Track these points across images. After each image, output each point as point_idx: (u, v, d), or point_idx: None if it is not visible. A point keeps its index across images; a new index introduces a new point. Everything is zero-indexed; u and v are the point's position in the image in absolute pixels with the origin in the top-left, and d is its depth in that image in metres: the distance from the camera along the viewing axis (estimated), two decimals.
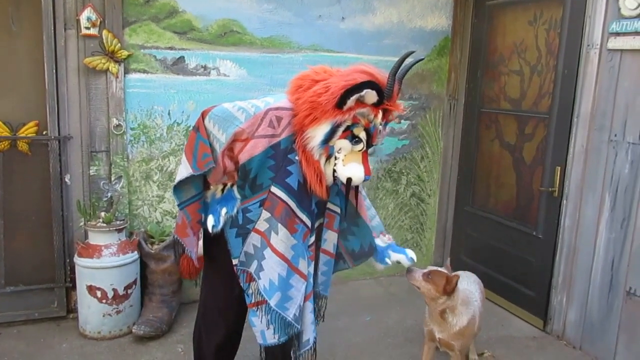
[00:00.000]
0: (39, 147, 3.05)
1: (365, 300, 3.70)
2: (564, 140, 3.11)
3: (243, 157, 1.92)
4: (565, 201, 3.11)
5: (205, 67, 3.35)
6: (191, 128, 2.00)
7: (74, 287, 3.14)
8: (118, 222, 3.07)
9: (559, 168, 3.14)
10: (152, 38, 3.21)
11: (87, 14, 2.97)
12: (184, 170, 1.98)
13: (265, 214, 1.97)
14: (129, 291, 3.06)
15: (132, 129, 3.26)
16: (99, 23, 3.01)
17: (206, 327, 2.24)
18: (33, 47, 2.97)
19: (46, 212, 3.10)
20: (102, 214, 3.06)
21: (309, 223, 2.04)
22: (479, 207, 3.90)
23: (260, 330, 2.03)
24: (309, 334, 2.09)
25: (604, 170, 2.87)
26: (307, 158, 1.93)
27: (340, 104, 1.84)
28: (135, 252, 3.10)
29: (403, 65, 1.97)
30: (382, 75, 1.91)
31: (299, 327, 2.04)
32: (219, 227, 1.99)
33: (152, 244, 3.20)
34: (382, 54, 3.67)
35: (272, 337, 2.02)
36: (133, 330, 3.00)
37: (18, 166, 3.04)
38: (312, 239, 2.10)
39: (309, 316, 2.09)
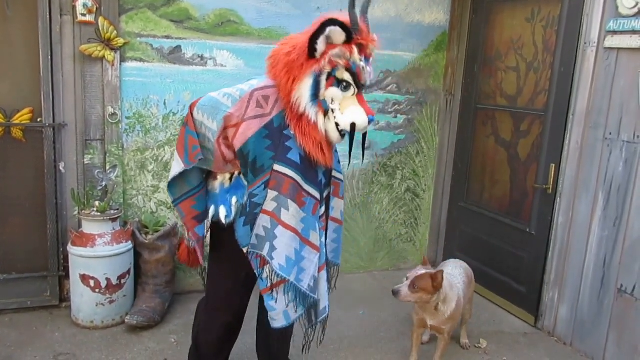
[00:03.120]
0: (33, 134, 3.02)
1: (359, 294, 3.71)
2: (559, 137, 3.13)
3: (238, 142, 1.91)
4: (559, 198, 3.13)
5: (202, 57, 3.33)
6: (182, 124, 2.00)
7: (67, 276, 3.13)
8: (112, 212, 3.06)
9: (554, 165, 3.16)
10: (149, 26, 3.18)
11: (83, 0, 2.94)
12: (176, 166, 1.98)
13: (272, 193, 1.94)
14: (123, 281, 3.05)
15: (127, 117, 3.24)
16: (95, 10, 2.98)
17: (209, 315, 2.22)
18: (28, 33, 2.94)
19: (40, 200, 3.08)
20: (97, 203, 3.05)
21: (317, 195, 2.02)
22: (473, 203, 3.91)
23: (282, 311, 2.01)
24: (324, 302, 2.11)
25: (598, 168, 2.89)
26: (302, 129, 1.91)
27: (311, 52, 1.83)
28: (129, 242, 3.09)
29: None
30: (344, 15, 1.88)
31: (316, 297, 2.03)
32: (232, 217, 1.98)
33: (147, 234, 3.19)
34: (379, 48, 3.65)
35: (294, 313, 2.02)
36: (126, 320, 3.00)
37: (12, 153, 3.02)
38: (322, 209, 2.10)
39: (324, 285, 2.10)
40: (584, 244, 2.99)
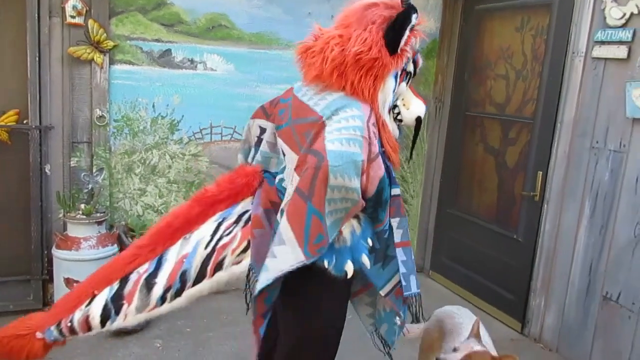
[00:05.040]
0: (19, 136, 2.99)
1: None
2: (546, 145, 3.15)
3: (373, 187, 1.63)
4: (546, 206, 3.15)
5: (192, 61, 3.32)
6: (295, 191, 1.58)
7: (51, 279, 3.09)
8: (98, 215, 3.03)
9: (541, 173, 3.18)
10: (139, 29, 3.17)
11: (72, 2, 2.92)
12: (290, 255, 1.56)
13: (395, 221, 1.73)
14: None
15: (115, 120, 3.22)
16: (84, 12, 2.97)
17: None
18: (16, 34, 2.91)
19: (25, 202, 3.04)
20: (82, 205, 3.02)
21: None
22: (461, 210, 3.93)
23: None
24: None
25: (584, 177, 2.91)
26: (385, 137, 1.69)
27: (395, 47, 1.62)
28: (115, 246, 3.06)
29: None
30: None
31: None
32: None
33: (133, 237, 3.16)
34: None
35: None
36: None
37: None
38: None
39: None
40: (570, 252, 3.01)
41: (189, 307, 3.34)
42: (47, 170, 3.07)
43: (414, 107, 1.77)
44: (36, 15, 2.88)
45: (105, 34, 3.04)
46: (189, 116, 3.37)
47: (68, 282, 2.92)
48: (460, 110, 3.91)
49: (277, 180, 1.86)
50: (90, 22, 2.98)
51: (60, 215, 3.11)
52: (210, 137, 3.45)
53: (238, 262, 1.77)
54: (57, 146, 3.09)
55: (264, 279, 1.60)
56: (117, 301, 1.75)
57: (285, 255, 1.57)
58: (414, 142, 1.90)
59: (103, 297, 1.76)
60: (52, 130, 3.05)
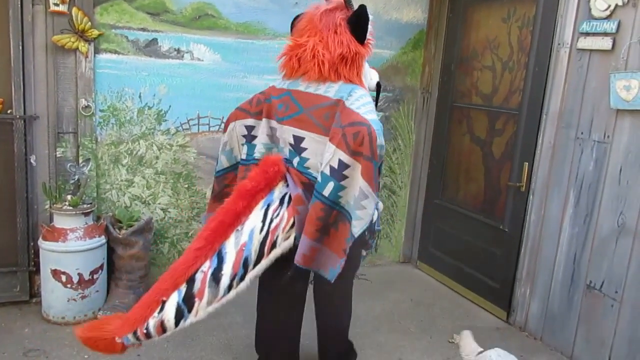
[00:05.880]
0: (3, 126, 2.95)
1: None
2: (532, 136, 3.18)
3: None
4: (531, 196, 3.19)
5: (178, 51, 3.29)
6: (360, 155, 2.00)
7: (37, 271, 3.07)
8: (85, 206, 3.01)
9: (527, 164, 3.21)
10: (124, 18, 3.13)
11: None
12: (373, 204, 2.06)
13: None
14: (95, 276, 3.01)
15: (101, 110, 3.19)
16: (68, 0, 2.92)
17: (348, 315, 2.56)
18: None
19: (10, 193, 3.01)
20: (69, 197, 2.99)
21: None
22: (448, 200, 3.96)
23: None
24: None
25: (569, 167, 2.95)
26: None
27: (362, 40, 2.18)
28: (103, 237, 3.04)
29: None
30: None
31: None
32: None
33: (120, 228, 3.14)
34: None
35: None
36: (98, 316, 2.96)
37: None
38: None
39: None
40: (555, 241, 3.05)
41: None
42: (32, 161, 3.04)
43: (374, 76, 2.37)
44: (19, 3, 2.83)
45: (89, 23, 3.00)
46: (176, 106, 3.35)
47: (55, 273, 2.91)
48: (447, 101, 3.93)
49: (295, 164, 2.21)
50: (74, 10, 2.94)
51: (47, 206, 3.08)
52: (198, 128, 3.43)
53: (287, 238, 2.12)
54: (42, 136, 3.05)
55: (361, 225, 2.06)
56: (188, 301, 1.98)
57: (370, 205, 2.05)
58: (377, 102, 2.40)
59: (173, 301, 1.98)
60: (37, 120, 3.01)
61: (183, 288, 1.98)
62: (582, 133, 2.87)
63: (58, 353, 2.70)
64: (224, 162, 2.42)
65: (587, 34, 2.80)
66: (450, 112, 3.91)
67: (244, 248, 2.04)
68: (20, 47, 2.87)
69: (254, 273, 2.08)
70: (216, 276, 2.00)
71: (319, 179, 2.05)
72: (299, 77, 2.22)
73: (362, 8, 2.15)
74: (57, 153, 3.10)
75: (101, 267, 3.05)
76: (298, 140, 2.19)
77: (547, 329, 3.12)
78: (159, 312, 1.97)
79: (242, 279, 2.05)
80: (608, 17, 2.70)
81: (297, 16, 2.36)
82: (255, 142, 2.33)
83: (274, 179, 2.15)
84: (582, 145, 2.88)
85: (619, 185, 2.68)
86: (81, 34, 2.99)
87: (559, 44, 2.98)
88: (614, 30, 2.66)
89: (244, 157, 2.35)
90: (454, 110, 3.88)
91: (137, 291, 3.15)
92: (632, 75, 2.54)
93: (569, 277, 2.97)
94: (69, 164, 3.09)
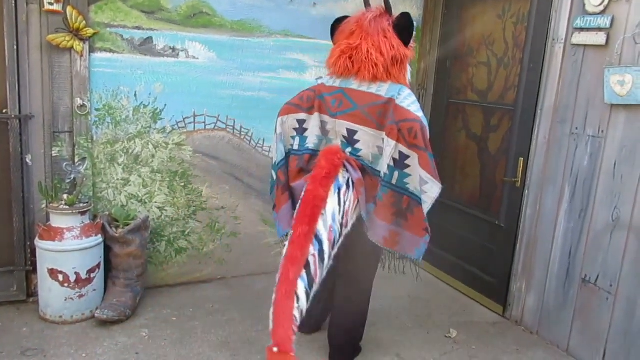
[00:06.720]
0: None
1: None
2: (527, 132, 3.19)
3: None
4: (527, 191, 3.20)
5: (173, 49, 3.29)
6: (422, 149, 2.37)
7: (34, 270, 3.06)
8: (81, 205, 3.01)
9: (522, 159, 3.22)
10: (119, 16, 3.12)
11: None
12: (435, 188, 2.36)
13: None
14: (92, 275, 3.01)
15: (97, 109, 3.18)
16: None
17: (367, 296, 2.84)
18: None
19: (6, 193, 3.00)
20: (65, 196, 2.99)
21: None
22: (444, 196, 3.91)
23: None
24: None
25: (564, 162, 2.96)
26: None
27: (407, 43, 2.45)
28: (99, 236, 3.04)
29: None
30: (381, 5, 2.55)
31: None
32: None
33: (117, 227, 3.14)
34: None
35: None
36: (96, 315, 2.96)
37: None
38: None
39: None
40: (550, 236, 3.07)
41: (174, 296, 3.38)
42: (28, 161, 3.03)
43: (409, 76, 2.63)
44: (13, 1, 2.82)
45: (84, 22, 2.99)
46: (171, 105, 3.35)
47: (52, 272, 2.91)
48: (443, 97, 3.93)
49: (348, 152, 2.50)
50: (68, 9, 2.93)
51: (43, 205, 3.08)
52: (194, 126, 3.43)
53: (353, 218, 2.44)
54: (37, 136, 3.05)
55: (426, 207, 2.40)
56: (311, 283, 2.20)
57: (432, 189, 2.36)
58: None
59: (302, 289, 2.14)
60: (33, 120, 3.01)
61: (304, 274, 2.16)
62: (576, 128, 2.89)
63: (56, 352, 2.70)
64: (282, 152, 2.67)
65: (582, 29, 2.81)
66: (445, 108, 3.92)
67: (331, 230, 2.28)
68: (15, 47, 2.87)
69: (334, 252, 2.33)
70: (322, 256, 2.23)
71: (386, 170, 2.38)
72: (351, 76, 2.48)
73: (407, 15, 2.45)
74: (53, 152, 3.10)
75: (98, 266, 3.05)
76: (352, 133, 2.48)
77: (543, 323, 3.14)
78: (297, 303, 2.12)
79: (329, 257, 2.29)
80: (602, 13, 2.71)
81: (339, 20, 2.63)
82: (306, 134, 2.61)
83: (338, 166, 2.39)
84: (576, 140, 2.89)
85: (614, 179, 2.70)
86: (76, 33, 2.98)
87: (553, 40, 2.99)
88: (607, 26, 2.67)
89: (296, 147, 2.63)
90: (450, 107, 3.89)
91: (134, 289, 3.16)
92: (626, 70, 2.56)
93: (564, 271, 2.99)
94: (65, 163, 3.09)
